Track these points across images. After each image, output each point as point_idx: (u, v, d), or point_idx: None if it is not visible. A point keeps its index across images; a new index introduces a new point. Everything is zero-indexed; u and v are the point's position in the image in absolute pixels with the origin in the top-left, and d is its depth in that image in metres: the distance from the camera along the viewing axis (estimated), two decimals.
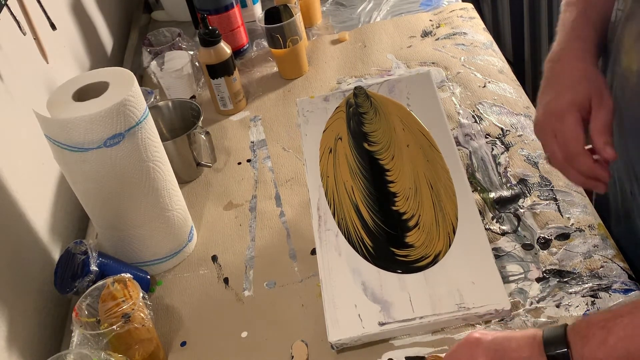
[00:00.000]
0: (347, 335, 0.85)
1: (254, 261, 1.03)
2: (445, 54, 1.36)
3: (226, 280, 1.01)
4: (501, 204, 1.01)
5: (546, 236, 0.95)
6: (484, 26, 1.44)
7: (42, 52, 1.14)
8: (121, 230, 1.00)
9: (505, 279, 0.90)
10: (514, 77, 1.27)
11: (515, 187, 1.03)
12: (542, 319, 0.84)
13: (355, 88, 1.08)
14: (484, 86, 1.25)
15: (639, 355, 0.62)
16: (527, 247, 0.94)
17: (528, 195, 1.02)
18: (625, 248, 0.92)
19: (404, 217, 0.94)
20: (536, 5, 2.13)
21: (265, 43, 1.51)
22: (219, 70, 1.29)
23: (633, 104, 0.81)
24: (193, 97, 1.42)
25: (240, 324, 0.94)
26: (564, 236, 0.94)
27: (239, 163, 1.23)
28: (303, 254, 1.02)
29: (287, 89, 1.39)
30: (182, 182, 1.18)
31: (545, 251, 0.93)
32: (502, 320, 0.85)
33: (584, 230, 0.94)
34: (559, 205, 0.99)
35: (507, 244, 0.95)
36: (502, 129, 1.14)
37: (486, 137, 1.14)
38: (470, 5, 1.50)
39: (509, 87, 1.24)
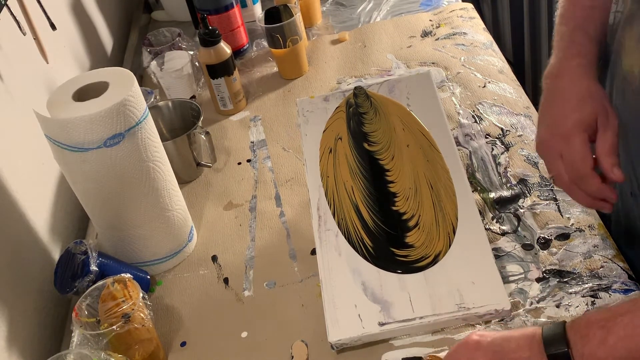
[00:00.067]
0: (347, 335, 0.85)
1: (254, 261, 1.03)
2: (445, 54, 1.36)
3: (226, 280, 1.01)
4: (501, 204, 1.01)
5: (546, 236, 0.95)
6: (484, 26, 1.44)
7: (42, 52, 1.14)
8: (121, 230, 1.00)
9: (505, 279, 0.90)
10: (514, 77, 1.27)
11: (515, 187, 1.03)
12: (542, 319, 0.84)
13: (355, 88, 1.08)
14: (484, 86, 1.25)
15: (638, 356, 0.62)
16: (527, 247, 0.94)
17: (528, 195, 1.02)
18: (624, 248, 0.92)
19: (404, 217, 0.94)
20: (536, 5, 2.13)
21: (265, 43, 1.51)
22: (219, 70, 1.29)
23: (634, 106, 0.80)
24: (193, 97, 1.42)
25: (240, 324, 0.94)
26: (564, 236, 0.94)
27: (239, 163, 1.23)
28: (303, 254, 1.02)
29: (287, 89, 1.39)
30: (182, 182, 1.18)
31: (545, 251, 0.93)
32: (502, 320, 0.85)
33: (584, 230, 0.94)
34: (559, 205, 0.99)
35: (507, 244, 0.95)
36: (502, 129, 1.14)
37: (486, 137, 1.14)
38: (470, 5, 1.50)
39: (509, 87, 1.24)
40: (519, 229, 0.97)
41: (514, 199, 1.01)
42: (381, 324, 0.85)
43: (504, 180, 1.05)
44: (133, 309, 0.85)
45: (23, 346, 0.94)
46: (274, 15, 1.37)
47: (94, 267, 0.94)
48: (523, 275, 0.90)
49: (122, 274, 0.90)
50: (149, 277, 1.02)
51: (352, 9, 1.61)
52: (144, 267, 1.03)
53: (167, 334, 0.95)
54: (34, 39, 1.13)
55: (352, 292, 0.89)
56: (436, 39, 1.41)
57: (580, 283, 0.88)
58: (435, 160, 0.99)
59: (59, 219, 1.14)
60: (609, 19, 0.85)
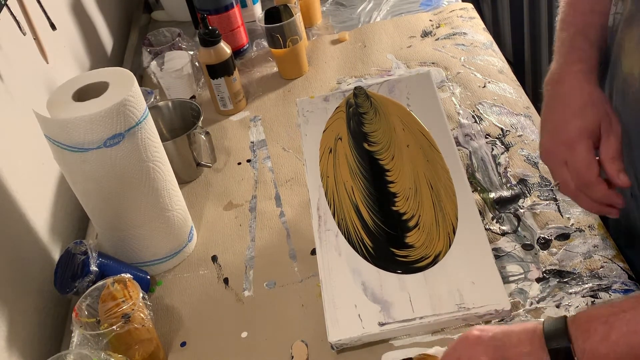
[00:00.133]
0: (347, 336, 0.85)
1: (254, 261, 1.03)
2: (445, 54, 1.36)
3: (226, 281, 1.01)
4: (501, 204, 1.01)
5: (546, 236, 0.95)
6: (484, 26, 1.44)
7: (42, 52, 1.14)
8: (121, 230, 1.00)
9: (505, 279, 0.90)
10: (514, 77, 1.27)
11: (515, 187, 1.03)
12: (542, 319, 0.84)
13: (355, 88, 1.08)
14: (484, 86, 1.25)
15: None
16: (527, 247, 0.94)
17: (528, 195, 1.02)
18: (624, 248, 0.91)
19: (404, 217, 0.94)
20: (536, 5, 2.13)
21: (265, 43, 1.51)
22: (219, 70, 1.29)
23: (635, 107, 0.80)
24: (193, 97, 1.42)
25: (240, 324, 0.94)
26: (564, 236, 0.94)
27: (239, 163, 1.23)
28: (303, 254, 1.02)
29: (287, 89, 1.39)
30: (182, 182, 1.18)
31: (545, 251, 0.93)
32: (502, 320, 0.85)
33: (584, 231, 0.94)
34: (559, 206, 0.99)
35: (507, 244, 0.95)
36: (502, 129, 1.14)
37: (486, 137, 1.14)
38: (470, 5, 1.50)
39: (509, 87, 1.24)
40: (519, 229, 0.97)
41: (514, 199, 1.02)
42: (381, 324, 0.85)
43: (504, 180, 1.05)
44: (133, 309, 0.85)
45: (23, 346, 0.94)
46: (274, 15, 1.37)
47: (94, 267, 0.94)
48: (523, 276, 0.90)
49: (122, 274, 0.90)
50: (149, 277, 1.02)
51: (352, 9, 1.61)
52: (144, 267, 1.03)
53: (167, 334, 0.95)
54: (34, 39, 1.13)
55: (352, 292, 0.89)
56: (436, 39, 1.41)
57: (580, 283, 0.88)
58: (435, 160, 0.99)
59: (59, 219, 1.14)
60: (608, 22, 0.85)
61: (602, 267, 0.89)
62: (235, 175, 1.20)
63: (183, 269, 1.05)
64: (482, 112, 1.19)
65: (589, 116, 0.78)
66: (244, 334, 0.93)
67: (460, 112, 1.20)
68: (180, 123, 1.24)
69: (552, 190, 1.01)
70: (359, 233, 0.94)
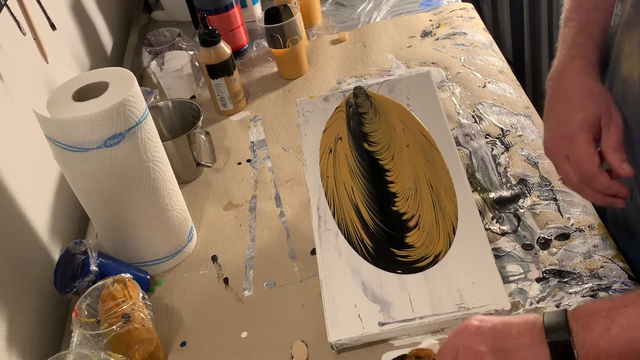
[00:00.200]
0: (347, 335, 0.85)
1: (254, 261, 1.03)
2: (445, 54, 1.36)
3: (226, 280, 1.01)
4: (501, 204, 1.01)
5: (546, 236, 0.95)
6: (484, 26, 1.44)
7: (42, 52, 1.14)
8: (121, 230, 1.00)
9: (505, 279, 0.90)
10: (514, 77, 1.27)
11: (515, 187, 1.03)
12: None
13: (355, 88, 1.08)
14: (484, 86, 1.25)
15: None
16: (527, 247, 0.94)
17: (528, 195, 1.02)
18: (623, 248, 0.92)
19: (404, 217, 0.94)
20: (536, 5, 2.13)
21: (265, 43, 1.51)
22: (219, 70, 1.29)
23: (635, 110, 0.80)
24: (193, 97, 1.42)
25: (240, 324, 0.94)
26: (564, 236, 0.94)
27: (239, 163, 1.23)
28: (303, 254, 1.02)
29: (287, 89, 1.39)
30: (182, 182, 1.18)
31: (545, 251, 0.93)
32: None
33: (584, 231, 0.94)
34: (559, 206, 0.99)
35: (507, 244, 0.95)
36: (502, 129, 1.14)
37: (486, 137, 1.14)
38: (470, 5, 1.50)
39: (509, 87, 1.24)
40: (519, 229, 0.97)
41: (514, 199, 1.02)
42: (381, 324, 0.85)
43: (504, 180, 1.05)
44: (133, 309, 0.85)
45: (23, 346, 0.94)
46: (274, 15, 1.37)
47: (94, 267, 0.94)
48: (523, 275, 0.90)
49: (122, 274, 0.90)
50: (149, 277, 1.02)
51: (352, 9, 1.61)
52: (144, 267, 1.03)
53: (167, 334, 0.95)
54: (34, 39, 1.13)
55: (352, 292, 0.89)
56: (436, 39, 1.41)
57: (580, 283, 0.88)
58: (435, 160, 0.99)
59: (59, 219, 1.14)
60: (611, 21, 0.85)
61: (602, 267, 0.89)
62: (235, 175, 1.20)
63: (183, 269, 1.05)
64: (482, 112, 1.19)
65: (588, 109, 0.79)
66: (244, 334, 0.93)
67: (460, 112, 1.20)
68: (180, 123, 1.24)
69: (552, 190, 1.01)
70: (359, 233, 0.94)
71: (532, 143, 1.10)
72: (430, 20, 1.48)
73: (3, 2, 1.06)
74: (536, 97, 2.11)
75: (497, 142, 1.12)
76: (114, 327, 0.83)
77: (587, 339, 0.64)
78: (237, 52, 1.50)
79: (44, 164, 1.13)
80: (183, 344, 0.94)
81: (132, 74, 0.94)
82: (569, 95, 0.81)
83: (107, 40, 1.62)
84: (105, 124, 0.88)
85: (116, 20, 1.73)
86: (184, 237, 1.05)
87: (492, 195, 1.03)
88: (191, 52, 1.42)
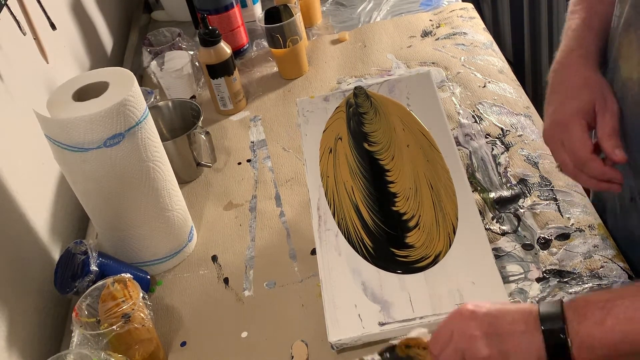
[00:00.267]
0: (347, 335, 0.85)
1: (254, 261, 1.03)
2: (445, 54, 1.36)
3: (226, 280, 1.01)
4: (501, 204, 1.01)
5: (546, 236, 0.95)
6: (484, 26, 1.44)
7: (42, 52, 1.14)
8: (121, 230, 1.00)
9: (505, 279, 0.90)
10: (514, 77, 1.27)
11: (515, 187, 1.03)
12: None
13: (355, 88, 1.08)
14: (484, 86, 1.25)
15: (635, 339, 0.61)
16: (527, 247, 0.94)
17: (528, 195, 1.02)
18: (624, 247, 0.92)
19: (404, 217, 0.94)
20: (536, 5, 2.13)
21: (265, 43, 1.51)
22: (219, 70, 1.29)
23: (634, 112, 0.81)
24: (193, 97, 1.42)
25: (240, 324, 0.94)
26: (564, 236, 0.94)
27: (239, 163, 1.23)
28: (303, 254, 1.02)
29: (287, 89, 1.39)
30: (182, 182, 1.18)
31: (545, 251, 0.93)
32: None
33: (584, 231, 0.94)
34: (559, 205, 0.99)
35: (507, 244, 0.95)
36: (502, 129, 1.14)
37: (486, 137, 1.14)
38: (470, 5, 1.50)
39: (509, 87, 1.24)
40: (519, 229, 0.97)
41: (514, 199, 1.02)
42: (381, 324, 0.85)
43: (504, 180, 1.05)
44: (133, 309, 0.85)
45: (23, 346, 0.94)
46: (274, 15, 1.37)
47: (94, 267, 0.94)
48: (523, 275, 0.90)
49: (122, 274, 0.90)
50: (149, 277, 1.02)
51: (352, 9, 1.61)
52: (144, 267, 1.03)
53: (167, 334, 0.95)
54: (34, 39, 1.13)
55: (352, 292, 0.89)
56: (436, 39, 1.41)
57: (580, 283, 0.88)
58: (435, 160, 0.99)
59: (59, 219, 1.14)
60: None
61: (602, 267, 0.89)
62: (235, 175, 1.20)
63: (183, 268, 1.05)
64: (482, 112, 1.19)
65: (583, 98, 0.81)
66: (244, 334, 0.93)
67: (460, 112, 1.20)
68: (180, 123, 1.24)
69: (552, 190, 1.01)
70: (359, 233, 0.94)
71: (532, 143, 1.10)
72: (430, 20, 1.48)
73: (3, 2, 1.06)
74: (536, 97, 2.11)
75: (497, 142, 1.12)
76: (114, 327, 0.83)
77: (582, 328, 0.63)
78: (237, 52, 1.50)
79: (44, 164, 1.13)
80: (183, 344, 0.94)
81: (132, 74, 0.94)
82: (566, 85, 0.83)
83: (107, 40, 1.62)
84: (105, 124, 0.88)
85: (116, 20, 1.73)
86: (184, 237, 1.05)
87: (492, 195, 1.03)
88: (191, 52, 1.42)
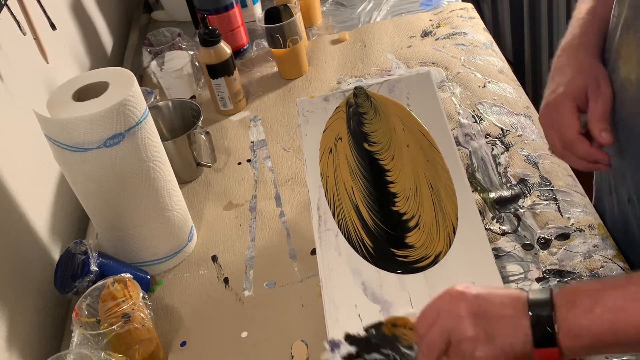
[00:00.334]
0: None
1: (254, 261, 1.03)
2: (445, 54, 1.36)
3: (226, 280, 1.01)
4: (501, 204, 1.01)
5: (546, 236, 0.95)
6: (484, 26, 1.44)
7: (42, 52, 1.14)
8: (121, 230, 1.00)
9: (505, 279, 0.90)
10: (514, 77, 1.27)
11: (515, 187, 1.03)
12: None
13: (355, 88, 1.08)
14: (484, 86, 1.25)
15: (623, 329, 0.61)
16: (527, 247, 0.94)
17: (528, 195, 1.02)
18: (624, 247, 0.92)
19: (404, 217, 0.94)
20: (536, 5, 2.13)
21: (265, 43, 1.51)
22: (219, 70, 1.29)
23: (632, 114, 0.81)
24: (193, 97, 1.42)
25: (240, 324, 0.94)
26: (564, 236, 0.94)
27: (239, 163, 1.23)
28: (303, 254, 1.02)
29: (287, 89, 1.39)
30: (182, 182, 1.18)
31: (545, 251, 0.93)
32: None
33: (584, 230, 0.94)
34: (559, 205, 0.99)
35: (507, 244, 0.95)
36: (502, 129, 1.15)
37: (486, 137, 1.14)
38: (470, 5, 1.50)
39: (509, 87, 1.24)
40: (519, 229, 0.97)
41: (514, 199, 1.02)
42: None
43: (504, 180, 1.05)
44: (133, 309, 0.85)
45: (23, 346, 0.94)
46: (274, 15, 1.37)
47: (94, 267, 0.94)
48: (523, 275, 0.90)
49: (122, 274, 0.90)
50: (149, 277, 1.02)
51: (352, 9, 1.61)
52: (144, 267, 1.03)
53: (167, 334, 0.95)
54: (34, 39, 1.13)
55: (352, 292, 0.88)
56: (436, 39, 1.41)
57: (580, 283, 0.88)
58: (435, 160, 0.99)
59: (59, 219, 1.14)
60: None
61: (602, 267, 0.89)
62: (235, 175, 1.20)
63: (183, 268, 1.05)
64: (482, 112, 1.19)
65: (576, 82, 0.83)
66: (244, 334, 0.93)
67: (460, 112, 1.20)
68: (180, 123, 1.24)
69: (552, 190, 1.01)
70: (359, 233, 0.94)
71: (532, 143, 1.10)
72: (430, 20, 1.48)
73: (3, 2, 1.06)
74: (536, 97, 2.11)
75: (497, 142, 1.12)
76: (114, 327, 0.83)
77: (570, 315, 0.63)
78: (237, 52, 1.50)
79: (44, 164, 1.13)
80: (183, 344, 0.94)
81: (132, 74, 0.94)
82: (563, 70, 0.86)
83: (107, 40, 1.62)
84: (105, 124, 0.88)
85: (116, 20, 1.73)
86: (184, 237, 1.05)
87: (492, 195, 1.03)
88: (191, 52, 1.42)
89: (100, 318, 0.87)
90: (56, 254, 1.10)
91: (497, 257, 0.93)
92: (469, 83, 1.27)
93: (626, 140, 0.84)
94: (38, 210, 1.08)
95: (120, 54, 1.67)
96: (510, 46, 2.25)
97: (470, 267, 0.88)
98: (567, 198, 0.99)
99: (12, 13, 1.07)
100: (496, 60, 1.32)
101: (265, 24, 1.36)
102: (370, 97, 1.07)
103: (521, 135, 1.12)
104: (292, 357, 0.88)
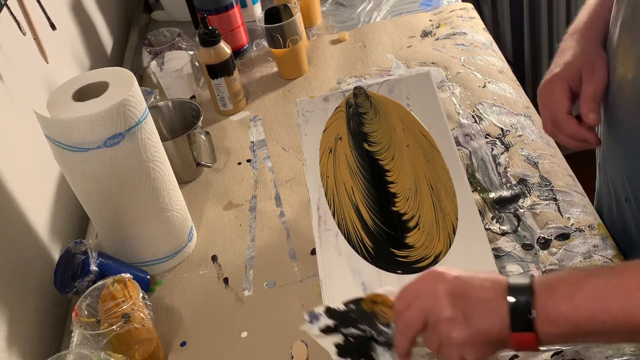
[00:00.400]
0: None
1: (254, 261, 1.03)
2: (445, 54, 1.36)
3: (226, 280, 1.01)
4: (501, 204, 1.01)
5: (546, 236, 0.95)
6: (483, 26, 1.44)
7: (42, 52, 1.14)
8: (121, 230, 1.00)
9: None
10: (514, 77, 1.27)
11: (515, 187, 1.03)
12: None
13: (355, 88, 1.08)
14: (484, 86, 1.25)
15: (601, 319, 0.60)
16: (527, 247, 0.94)
17: (528, 195, 1.02)
18: (623, 247, 0.92)
19: (404, 217, 0.94)
20: (536, 6, 2.13)
21: (265, 43, 1.51)
22: (219, 70, 1.29)
23: (628, 113, 0.81)
24: (193, 97, 1.42)
25: (240, 324, 0.94)
26: (563, 236, 0.94)
27: (239, 163, 1.23)
28: (303, 254, 1.02)
29: (287, 89, 1.39)
30: (182, 182, 1.18)
31: (545, 251, 0.93)
32: None
33: (583, 231, 0.94)
34: (559, 205, 0.99)
35: (507, 244, 0.95)
36: (502, 129, 1.15)
37: (486, 137, 1.14)
38: (470, 5, 1.50)
39: (509, 87, 1.24)
40: (519, 229, 0.97)
41: (514, 199, 1.02)
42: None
43: (504, 180, 1.05)
44: (133, 309, 0.85)
45: (23, 346, 0.95)
46: (274, 15, 1.37)
47: (94, 267, 0.94)
48: None
49: (122, 274, 0.90)
50: (149, 277, 1.02)
51: (352, 9, 1.61)
52: (144, 267, 1.03)
53: (167, 334, 0.95)
54: (34, 39, 1.13)
55: (352, 292, 0.88)
56: (436, 39, 1.41)
57: None
58: (435, 160, 0.99)
59: (59, 219, 1.14)
60: None
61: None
62: (235, 175, 1.20)
63: (183, 268, 1.05)
64: (482, 112, 1.19)
65: (573, 64, 0.87)
66: (244, 334, 0.93)
67: (460, 112, 1.20)
68: (180, 123, 1.24)
69: (552, 190, 1.01)
70: (359, 233, 0.94)
71: (532, 143, 1.10)
72: (430, 20, 1.48)
73: (3, 2, 1.06)
74: (536, 97, 2.11)
75: (497, 142, 1.12)
76: (114, 327, 0.83)
77: (550, 301, 0.62)
78: (237, 52, 1.50)
79: (44, 164, 1.13)
80: (183, 344, 0.94)
81: (132, 74, 0.94)
82: (564, 52, 0.89)
83: (107, 40, 1.62)
84: (105, 124, 0.88)
85: (116, 20, 1.73)
86: (184, 237, 1.05)
87: (492, 195, 1.03)
88: (191, 52, 1.42)
89: (100, 318, 0.87)
90: (56, 254, 1.10)
91: (497, 257, 0.93)
92: (468, 83, 1.27)
93: (623, 139, 0.84)
94: (38, 210, 1.08)
95: (120, 54, 1.67)
96: (510, 46, 2.25)
97: (470, 267, 0.87)
98: (567, 198, 0.99)
99: (12, 13, 1.07)
100: (496, 60, 1.32)
101: (265, 24, 1.36)
102: (370, 97, 1.07)
103: (521, 135, 1.12)
104: (292, 357, 0.88)
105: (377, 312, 0.75)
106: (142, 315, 0.86)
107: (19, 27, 1.08)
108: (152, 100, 1.30)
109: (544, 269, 0.90)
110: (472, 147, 1.12)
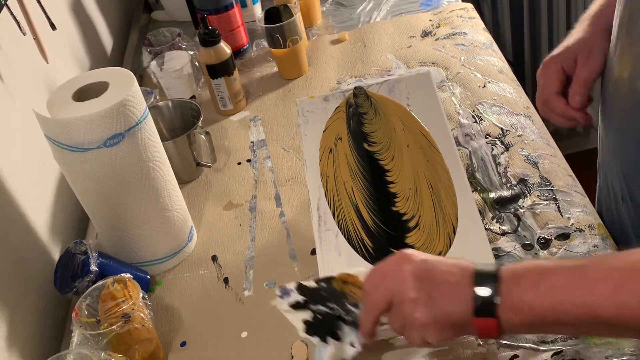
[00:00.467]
0: None
1: (254, 261, 1.03)
2: (445, 54, 1.36)
3: (226, 280, 1.01)
4: (501, 204, 1.01)
5: (546, 236, 0.95)
6: (483, 26, 1.44)
7: (42, 52, 1.14)
8: (121, 230, 1.00)
9: None
10: (514, 77, 1.27)
11: (515, 187, 1.03)
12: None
13: (355, 88, 1.08)
14: (484, 86, 1.25)
15: (564, 309, 0.60)
16: (527, 247, 0.94)
17: (528, 195, 1.02)
18: (622, 247, 0.92)
19: (404, 217, 0.94)
20: (536, 6, 2.13)
21: (265, 43, 1.51)
22: (218, 70, 1.29)
23: (624, 113, 0.81)
24: (193, 97, 1.42)
25: (240, 324, 0.94)
26: (564, 236, 0.94)
27: (239, 163, 1.23)
28: (303, 254, 1.02)
29: (287, 89, 1.39)
30: (182, 182, 1.18)
31: (545, 251, 0.93)
32: None
33: (584, 230, 0.94)
34: (559, 205, 0.99)
35: (507, 244, 0.95)
36: (502, 129, 1.15)
37: (486, 137, 1.14)
38: (470, 5, 1.50)
39: (509, 87, 1.24)
40: (519, 229, 0.97)
41: (514, 199, 1.02)
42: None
43: (504, 180, 1.05)
44: (133, 309, 0.85)
45: (23, 346, 0.95)
46: (274, 15, 1.37)
47: (94, 267, 0.94)
48: None
49: (122, 274, 0.90)
50: (149, 277, 1.02)
51: (352, 9, 1.61)
52: (144, 267, 1.03)
53: (167, 334, 0.95)
54: (34, 39, 1.13)
55: None
56: (436, 39, 1.41)
57: None
58: (435, 160, 0.99)
59: (59, 219, 1.14)
60: None
61: None
62: (235, 175, 1.20)
63: (183, 268, 1.05)
64: (482, 112, 1.19)
65: (571, 47, 0.91)
66: (244, 334, 0.93)
67: (460, 112, 1.20)
68: (180, 123, 1.24)
69: (552, 190, 1.01)
70: (359, 233, 0.94)
71: (532, 143, 1.10)
72: (430, 20, 1.48)
73: (3, 2, 1.06)
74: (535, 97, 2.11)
75: (497, 142, 1.12)
76: (114, 327, 0.83)
77: (515, 289, 0.63)
78: (237, 52, 1.50)
79: (44, 164, 1.13)
80: (183, 344, 0.94)
81: (132, 74, 0.94)
82: (569, 37, 0.93)
83: (107, 40, 1.62)
84: (105, 124, 0.88)
85: (116, 20, 1.73)
86: (184, 237, 1.05)
87: (492, 195, 1.03)
88: (191, 52, 1.42)
89: (100, 318, 0.87)
90: (56, 254, 1.10)
91: (497, 257, 0.93)
92: (469, 83, 1.27)
93: (619, 138, 0.84)
94: (38, 210, 1.08)
95: (120, 54, 1.67)
96: (510, 46, 2.25)
97: None
98: (567, 198, 0.99)
99: (12, 13, 1.07)
100: (496, 60, 1.32)
101: (265, 24, 1.36)
102: (370, 97, 1.07)
103: (521, 135, 1.12)
104: (292, 357, 0.88)
105: (347, 292, 0.76)
106: (142, 315, 0.86)
107: (19, 27, 1.08)
108: (152, 100, 1.30)
109: None
110: (472, 147, 1.12)
